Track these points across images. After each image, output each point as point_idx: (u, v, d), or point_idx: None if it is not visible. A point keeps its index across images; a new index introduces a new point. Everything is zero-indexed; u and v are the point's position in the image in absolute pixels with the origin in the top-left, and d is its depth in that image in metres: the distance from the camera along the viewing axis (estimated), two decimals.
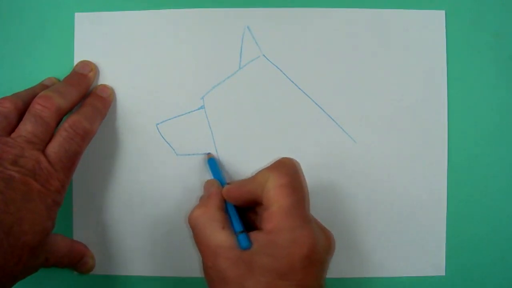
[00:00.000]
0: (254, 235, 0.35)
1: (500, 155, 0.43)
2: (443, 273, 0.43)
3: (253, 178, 0.36)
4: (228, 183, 0.39)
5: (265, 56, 0.42)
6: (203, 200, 0.38)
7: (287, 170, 0.35)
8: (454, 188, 0.42)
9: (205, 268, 0.35)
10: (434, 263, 0.43)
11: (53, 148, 0.37)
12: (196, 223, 0.36)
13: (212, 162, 0.41)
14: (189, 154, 0.42)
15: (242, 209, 0.38)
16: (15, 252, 0.33)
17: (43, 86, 0.41)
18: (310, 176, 0.42)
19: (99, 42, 0.42)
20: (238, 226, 0.36)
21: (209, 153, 0.42)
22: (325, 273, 0.35)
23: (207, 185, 0.39)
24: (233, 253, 0.34)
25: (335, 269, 0.43)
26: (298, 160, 0.35)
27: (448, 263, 0.43)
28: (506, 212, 0.43)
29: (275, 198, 0.34)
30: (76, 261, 0.41)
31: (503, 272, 0.43)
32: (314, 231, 0.34)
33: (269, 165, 0.36)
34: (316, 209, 0.42)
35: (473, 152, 0.43)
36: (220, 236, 0.35)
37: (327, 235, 0.36)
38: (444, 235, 0.43)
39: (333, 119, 0.43)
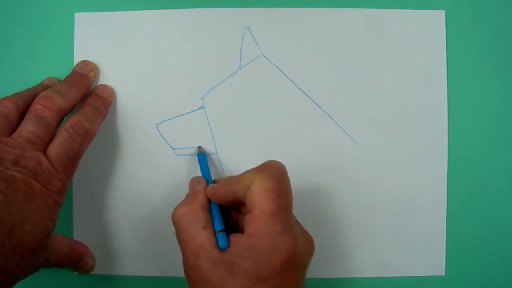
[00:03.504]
0: (235, 237, 0.35)
1: (500, 155, 0.43)
2: (443, 273, 0.43)
3: (238, 178, 0.36)
4: (214, 181, 0.39)
5: (265, 56, 0.42)
6: (188, 198, 0.38)
7: (274, 174, 0.35)
8: (454, 188, 0.43)
9: (186, 267, 0.35)
10: (434, 263, 0.43)
11: (54, 148, 0.37)
12: (179, 220, 0.36)
13: (202, 157, 0.41)
14: (189, 154, 0.42)
15: (228, 208, 0.38)
16: (16, 253, 0.33)
17: (43, 86, 0.41)
18: (310, 176, 0.42)
19: (99, 42, 0.42)
20: (218, 225, 0.36)
21: (199, 147, 0.42)
22: (304, 275, 0.35)
23: (193, 182, 0.39)
24: (213, 254, 0.34)
25: (335, 269, 0.43)
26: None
27: (448, 263, 0.43)
28: (506, 212, 0.43)
29: (258, 201, 0.34)
30: (76, 261, 0.41)
31: (503, 272, 0.43)
32: (295, 237, 0.34)
33: (256, 166, 0.36)
34: (316, 209, 0.43)
35: (473, 152, 0.43)
36: (201, 236, 0.35)
37: (307, 238, 0.36)
38: (444, 235, 0.43)
39: (333, 119, 0.43)
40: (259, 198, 0.34)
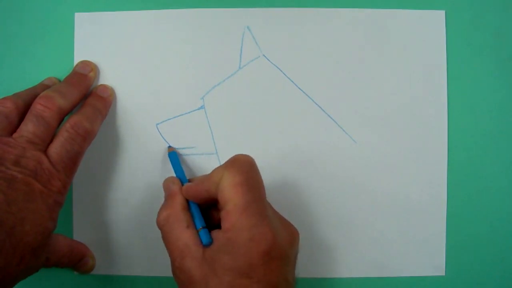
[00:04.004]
0: (214, 233, 0.35)
1: (500, 155, 0.43)
2: (443, 273, 0.43)
3: (209, 176, 0.36)
4: (189, 180, 0.39)
5: (265, 56, 0.43)
6: (167, 201, 0.38)
7: (242, 168, 0.35)
8: (454, 188, 0.43)
9: (174, 269, 0.35)
10: (434, 263, 0.43)
11: (55, 148, 0.37)
12: (164, 224, 0.36)
13: (174, 157, 0.41)
14: (189, 154, 0.42)
15: (209, 208, 0.38)
16: (17, 253, 0.33)
17: (43, 86, 0.41)
18: (310, 175, 0.42)
19: (99, 42, 0.42)
20: (199, 223, 0.36)
21: (170, 147, 0.42)
22: (290, 267, 0.35)
23: (167, 183, 0.39)
24: (197, 253, 0.34)
25: (335, 269, 0.43)
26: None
27: (448, 263, 0.43)
28: (506, 212, 0.43)
29: (230, 196, 0.34)
30: (77, 261, 0.41)
31: (503, 272, 0.43)
32: (273, 227, 0.34)
33: (224, 162, 0.36)
34: (315, 209, 0.43)
35: (473, 152, 0.43)
36: (185, 236, 0.35)
37: (289, 229, 0.36)
38: (444, 235, 0.43)
39: (333, 119, 0.43)
40: (230, 193, 0.34)
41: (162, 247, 0.42)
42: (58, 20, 0.43)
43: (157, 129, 0.43)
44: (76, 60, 0.42)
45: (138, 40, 0.42)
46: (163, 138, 0.42)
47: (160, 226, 0.37)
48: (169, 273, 0.42)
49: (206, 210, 0.38)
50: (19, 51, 0.43)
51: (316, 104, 0.42)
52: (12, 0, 0.43)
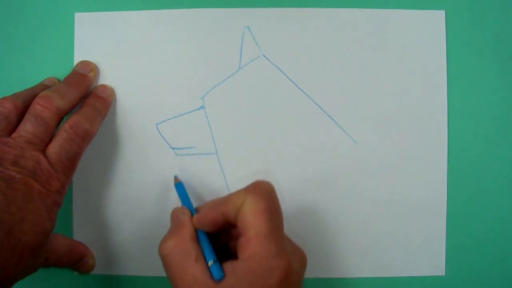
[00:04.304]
0: (230, 265, 0.34)
1: (500, 155, 0.43)
2: (443, 273, 0.43)
3: (227, 199, 0.35)
4: (196, 209, 0.38)
5: (265, 56, 0.42)
6: (175, 230, 0.36)
7: (264, 195, 0.34)
8: (454, 188, 0.43)
9: None
10: (434, 263, 0.43)
11: (54, 148, 0.37)
12: (169, 254, 0.35)
13: (180, 188, 0.40)
14: (189, 155, 0.42)
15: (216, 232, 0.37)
16: (15, 253, 0.33)
17: (43, 86, 0.41)
18: (309, 176, 0.42)
19: (99, 42, 0.42)
20: (210, 256, 0.35)
21: (175, 177, 0.41)
22: None
23: (177, 213, 0.37)
24: (208, 286, 0.33)
25: (335, 269, 0.43)
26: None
27: (448, 263, 0.43)
28: (506, 212, 0.43)
29: (252, 223, 0.33)
30: (76, 261, 0.41)
31: (503, 272, 0.43)
32: (289, 255, 0.34)
33: (244, 187, 0.35)
34: (316, 209, 0.43)
35: (473, 152, 0.43)
36: (193, 270, 0.34)
37: (300, 255, 0.36)
38: (444, 235, 0.43)
39: (333, 119, 0.43)
40: (253, 220, 0.33)
41: None
42: (58, 20, 0.43)
43: (157, 129, 0.43)
44: (76, 60, 0.42)
45: (138, 40, 0.42)
46: (163, 138, 0.43)
47: (164, 254, 0.35)
48: None
49: (213, 235, 0.37)
50: (19, 51, 0.43)
51: (316, 104, 0.42)
52: (12, 0, 0.43)
